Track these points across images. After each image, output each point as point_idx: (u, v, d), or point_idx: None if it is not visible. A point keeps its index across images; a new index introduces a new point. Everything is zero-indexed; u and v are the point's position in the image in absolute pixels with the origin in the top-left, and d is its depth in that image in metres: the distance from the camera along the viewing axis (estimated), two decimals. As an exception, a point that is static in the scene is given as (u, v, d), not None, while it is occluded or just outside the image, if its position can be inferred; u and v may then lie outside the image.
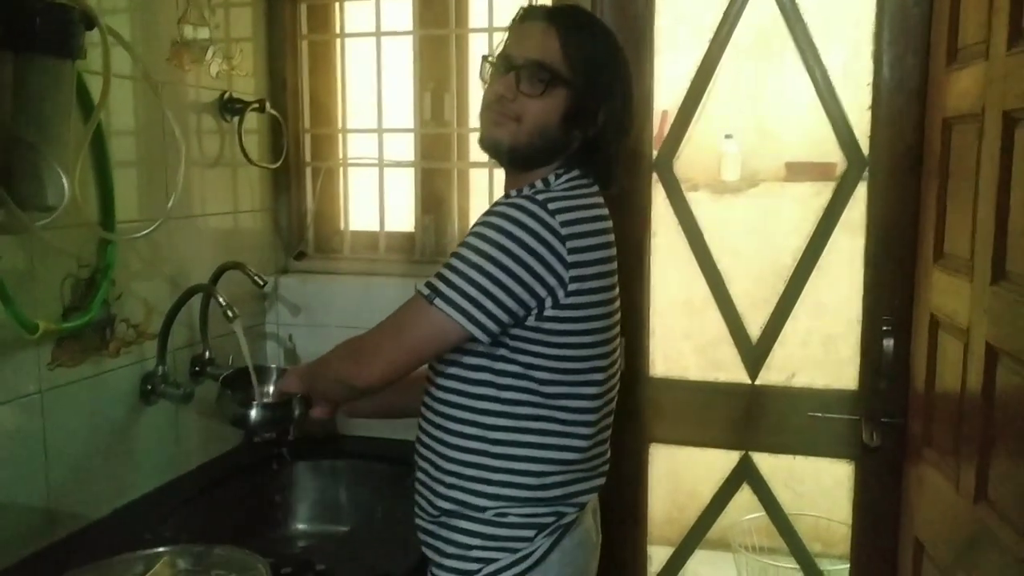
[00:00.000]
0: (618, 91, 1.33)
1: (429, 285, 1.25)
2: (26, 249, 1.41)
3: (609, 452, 1.44)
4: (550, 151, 1.32)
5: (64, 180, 1.34)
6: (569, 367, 1.29)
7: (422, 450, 1.37)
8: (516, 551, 1.30)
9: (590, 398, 1.32)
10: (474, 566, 1.31)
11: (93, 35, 1.40)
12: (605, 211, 1.34)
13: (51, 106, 1.35)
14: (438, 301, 1.22)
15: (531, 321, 1.24)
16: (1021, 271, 1.26)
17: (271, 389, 1.66)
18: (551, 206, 1.22)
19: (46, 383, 1.48)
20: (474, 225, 1.25)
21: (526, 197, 1.24)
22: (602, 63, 1.31)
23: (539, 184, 1.31)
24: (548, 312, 1.24)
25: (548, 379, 1.28)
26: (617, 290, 1.37)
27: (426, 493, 1.37)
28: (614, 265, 1.34)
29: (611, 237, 1.33)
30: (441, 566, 1.34)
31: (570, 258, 1.22)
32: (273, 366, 1.80)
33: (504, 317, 1.22)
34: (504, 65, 1.30)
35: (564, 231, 1.21)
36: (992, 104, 1.36)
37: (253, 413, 1.56)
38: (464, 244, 1.24)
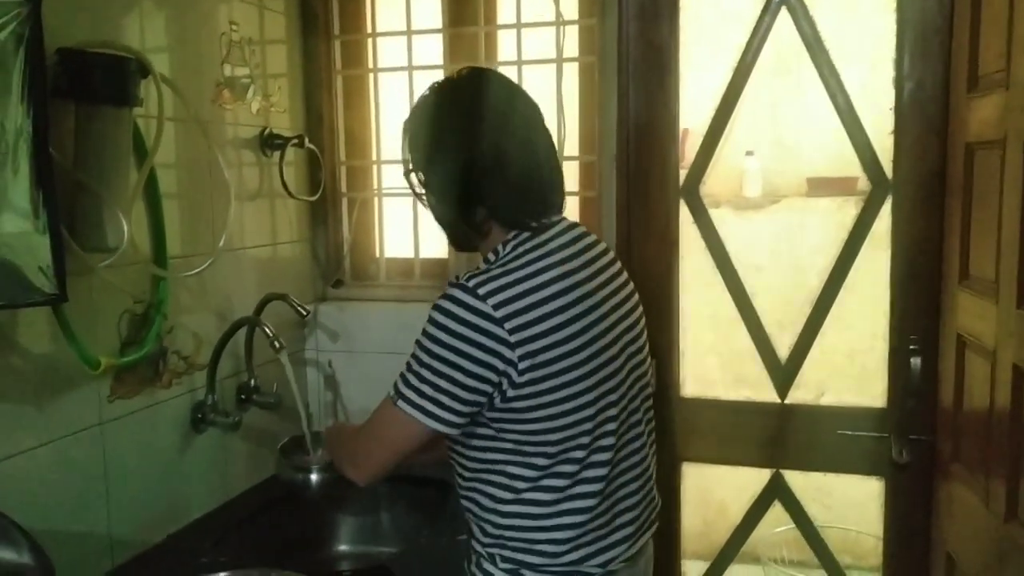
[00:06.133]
0: (435, 144, 1.36)
1: (395, 385, 1.30)
2: (86, 288, 1.47)
3: (643, 511, 1.42)
4: (451, 224, 1.39)
5: (123, 222, 1.42)
6: (553, 439, 1.28)
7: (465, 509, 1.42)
8: None
9: (575, 462, 1.30)
10: None
11: (145, 80, 1.48)
12: (557, 266, 1.29)
13: (111, 152, 1.43)
14: (400, 402, 1.27)
15: (499, 403, 1.25)
16: (1046, 296, 1.30)
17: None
18: (481, 291, 1.23)
19: (106, 415, 1.54)
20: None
21: (459, 286, 1.25)
22: (416, 132, 1.39)
23: (491, 256, 1.33)
24: (510, 393, 1.24)
25: (537, 452, 1.29)
26: (600, 342, 1.30)
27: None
28: (581, 322, 1.28)
29: (570, 294, 1.28)
30: None
31: (513, 338, 1.22)
32: (322, 431, 1.82)
33: (463, 408, 1.25)
34: None
35: (499, 313, 1.21)
36: (1014, 132, 1.40)
37: (313, 478, 1.64)
38: (417, 340, 1.27)
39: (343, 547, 1.96)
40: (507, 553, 1.33)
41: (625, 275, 1.47)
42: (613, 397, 1.33)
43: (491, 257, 1.33)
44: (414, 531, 1.87)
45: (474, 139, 1.31)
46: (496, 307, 1.22)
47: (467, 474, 1.36)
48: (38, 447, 1.40)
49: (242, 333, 1.87)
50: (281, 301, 1.91)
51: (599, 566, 1.33)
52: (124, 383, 1.58)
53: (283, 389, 1.88)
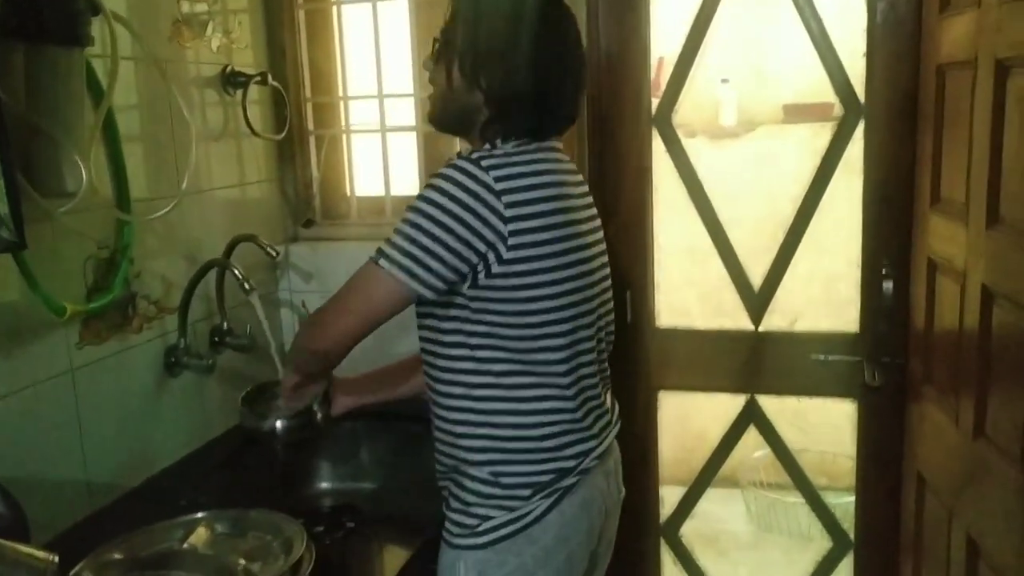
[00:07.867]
0: (504, 40, 1.33)
1: (379, 249, 1.28)
2: (48, 235, 1.45)
3: (608, 411, 1.47)
4: (461, 113, 1.36)
5: (81, 166, 1.38)
6: (531, 321, 1.30)
7: (431, 411, 1.42)
8: (513, 509, 1.33)
9: (557, 349, 1.32)
10: (473, 521, 1.34)
11: (98, 19, 1.43)
12: (554, 170, 1.34)
13: (64, 94, 1.38)
14: (383, 262, 1.26)
15: (483, 279, 1.27)
16: (1015, 216, 1.30)
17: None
18: (484, 163, 1.25)
19: (76, 361, 1.53)
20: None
21: (463, 158, 1.27)
22: (483, 17, 1.34)
23: (486, 148, 1.33)
24: (495, 268, 1.26)
25: (514, 335, 1.30)
26: (580, 242, 1.35)
27: (437, 451, 1.42)
28: (567, 217, 1.32)
29: (561, 191, 1.32)
30: (448, 518, 1.39)
31: (507, 212, 1.24)
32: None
33: (447, 273, 1.25)
34: None
35: (499, 186, 1.24)
36: (985, 52, 1.38)
37: (278, 425, 1.59)
38: (410, 206, 1.27)
39: (323, 485, 1.97)
40: (480, 456, 1.34)
41: (595, 208, 1.48)
42: (589, 293, 1.37)
43: (486, 148, 1.32)
44: (393, 467, 1.88)
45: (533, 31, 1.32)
46: (497, 180, 1.24)
47: (440, 363, 1.35)
48: (7, 396, 1.39)
49: (213, 276, 1.85)
50: (251, 243, 1.89)
51: (573, 457, 1.35)
52: (92, 329, 1.56)
53: (256, 331, 1.87)
